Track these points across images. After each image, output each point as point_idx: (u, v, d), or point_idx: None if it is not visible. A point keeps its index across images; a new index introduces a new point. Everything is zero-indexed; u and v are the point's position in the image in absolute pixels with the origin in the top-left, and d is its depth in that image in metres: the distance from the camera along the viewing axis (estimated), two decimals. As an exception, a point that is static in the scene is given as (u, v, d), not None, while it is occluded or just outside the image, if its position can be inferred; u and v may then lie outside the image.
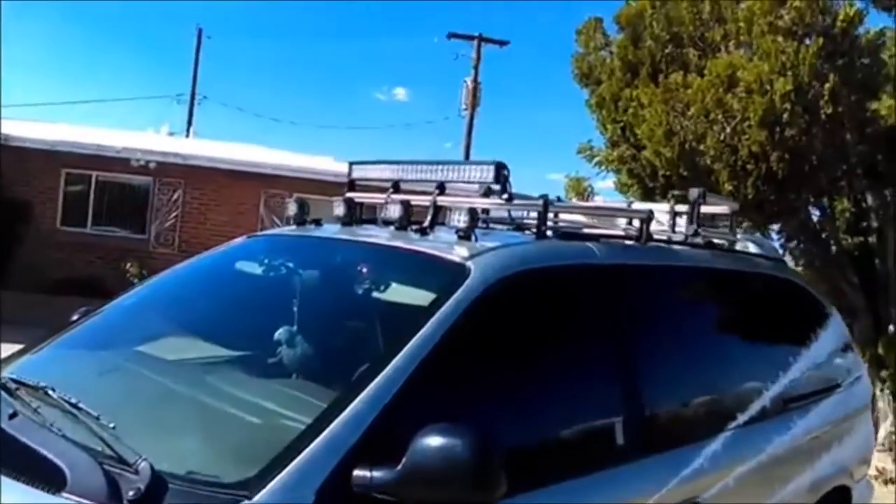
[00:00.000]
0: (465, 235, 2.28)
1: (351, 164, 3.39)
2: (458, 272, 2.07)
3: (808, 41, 6.96)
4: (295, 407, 1.88)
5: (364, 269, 2.52)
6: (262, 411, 1.94)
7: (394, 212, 2.65)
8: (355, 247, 2.74)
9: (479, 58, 26.97)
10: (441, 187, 2.69)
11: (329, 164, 17.03)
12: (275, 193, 15.00)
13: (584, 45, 9.65)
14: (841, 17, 6.75)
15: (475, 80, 26.88)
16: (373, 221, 2.93)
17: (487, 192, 2.63)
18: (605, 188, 18.32)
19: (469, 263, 2.10)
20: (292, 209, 3.01)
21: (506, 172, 2.42)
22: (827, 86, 6.74)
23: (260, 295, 2.80)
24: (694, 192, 3.16)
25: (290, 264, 2.78)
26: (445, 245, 2.31)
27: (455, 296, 1.96)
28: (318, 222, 2.98)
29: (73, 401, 1.76)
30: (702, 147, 7.41)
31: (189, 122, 28.22)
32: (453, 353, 1.84)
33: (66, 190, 13.79)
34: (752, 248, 3.48)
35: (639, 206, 3.66)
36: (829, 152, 6.98)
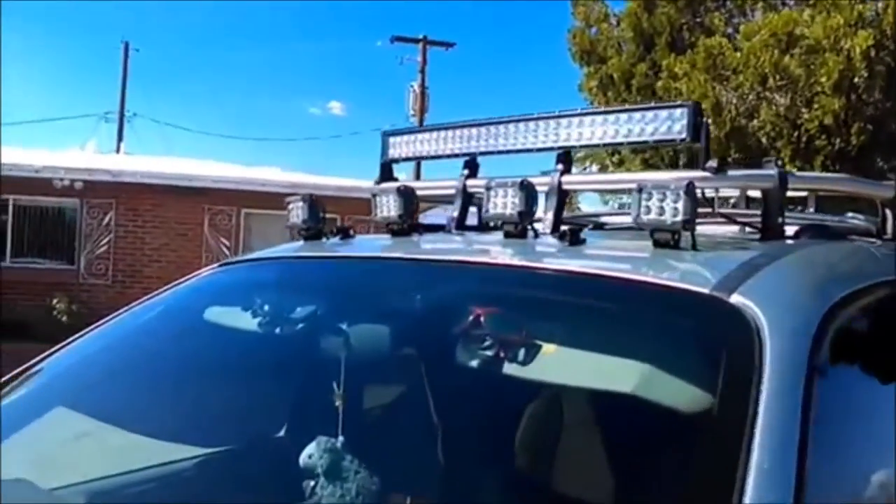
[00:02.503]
0: (673, 242, 1.33)
1: (386, 133, 2.09)
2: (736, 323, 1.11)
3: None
4: None
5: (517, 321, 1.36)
6: None
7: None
8: (485, 274, 1.58)
9: (424, 61, 26.19)
10: (471, 165, 1.84)
11: (277, 175, 15.56)
12: (220, 210, 13.43)
13: (582, 18, 8.38)
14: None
15: (422, 85, 26.00)
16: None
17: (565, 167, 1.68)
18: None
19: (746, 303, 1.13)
20: (298, 214, 1.95)
21: (706, 121, 1.51)
22: (916, 38, 5.58)
23: (257, 370, 1.86)
24: None
25: (320, 310, 1.77)
26: (685, 268, 1.34)
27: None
28: (346, 233, 1.95)
29: None
30: (755, 122, 6.17)
31: (119, 140, 26.11)
32: None
33: (-23, 219, 12.14)
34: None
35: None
36: (913, 119, 5.81)
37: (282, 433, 1.99)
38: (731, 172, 1.56)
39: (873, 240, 1.78)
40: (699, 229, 1.77)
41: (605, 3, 8.42)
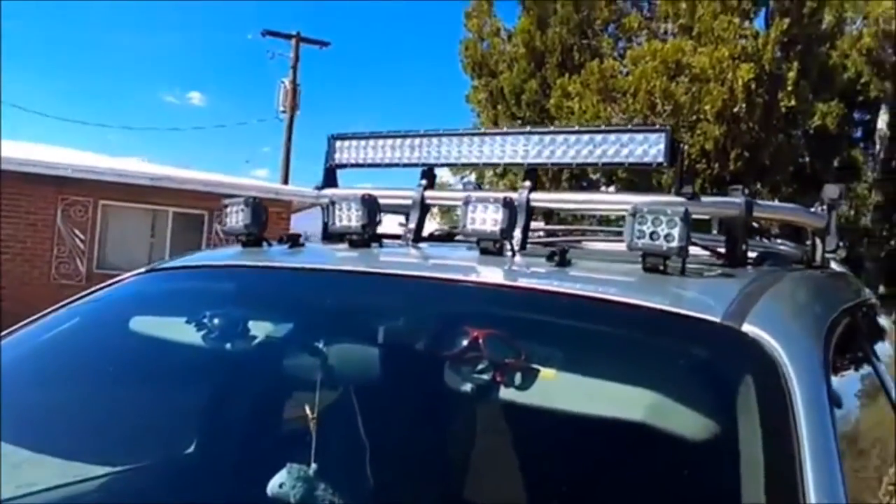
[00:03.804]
0: (663, 267, 1.32)
1: (334, 138, 1.96)
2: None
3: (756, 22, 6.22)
4: None
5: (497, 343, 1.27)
6: None
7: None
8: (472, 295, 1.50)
9: (297, 58, 25.64)
10: (429, 175, 1.76)
11: (140, 166, 14.73)
12: (76, 201, 12.50)
13: (475, 30, 8.44)
14: (812, -5, 6.03)
15: (294, 82, 25.42)
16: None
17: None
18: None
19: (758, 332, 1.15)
20: (239, 217, 1.80)
21: (683, 146, 1.55)
22: (791, 75, 6.00)
23: (176, 385, 1.70)
24: (833, 190, 2.00)
25: (286, 327, 1.65)
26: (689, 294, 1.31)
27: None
28: (295, 240, 1.79)
29: None
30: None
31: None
32: None
33: None
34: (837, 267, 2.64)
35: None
36: (784, 150, 6.24)
37: (191, 449, 1.83)
38: (703, 199, 1.60)
39: (801, 266, 1.90)
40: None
41: (498, 18, 8.53)
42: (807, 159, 7.25)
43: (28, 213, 11.94)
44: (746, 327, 1.14)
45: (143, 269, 1.83)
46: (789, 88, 5.93)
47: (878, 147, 7.79)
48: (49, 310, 1.74)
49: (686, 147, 6.29)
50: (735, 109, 5.97)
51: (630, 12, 7.40)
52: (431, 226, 1.93)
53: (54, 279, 12.42)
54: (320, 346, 1.49)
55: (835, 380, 1.16)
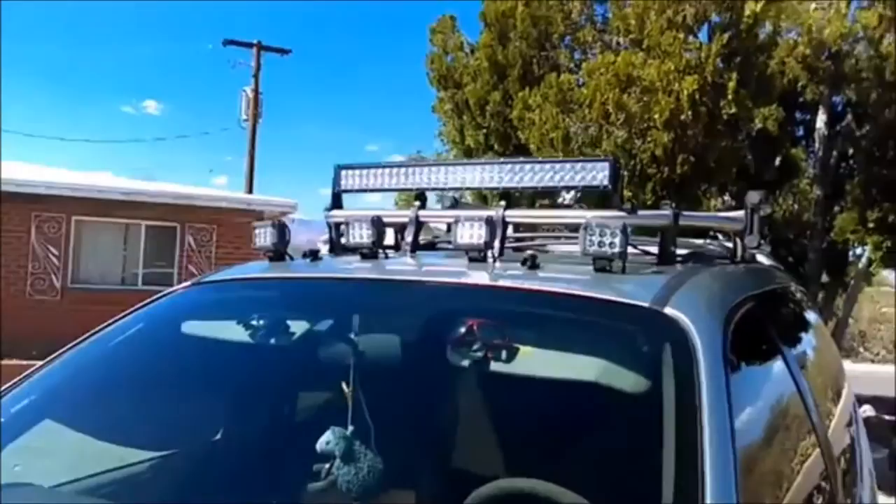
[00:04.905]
0: (609, 267, 1.73)
1: (340, 168, 2.27)
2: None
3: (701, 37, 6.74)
4: None
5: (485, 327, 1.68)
6: None
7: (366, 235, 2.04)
8: (454, 294, 1.91)
9: (258, 66, 25.62)
10: (421, 198, 2.17)
11: (109, 181, 14.84)
12: (49, 217, 12.63)
13: (440, 45, 8.87)
14: (747, 13, 6.56)
15: (255, 90, 25.42)
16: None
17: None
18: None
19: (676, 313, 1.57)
20: (267, 237, 2.13)
21: (623, 173, 1.95)
22: (731, 85, 6.54)
23: (262, 379, 2.08)
24: (755, 196, 2.46)
25: (319, 322, 2.03)
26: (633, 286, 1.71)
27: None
28: (315, 255, 2.17)
29: None
30: (598, 151, 6.93)
31: None
32: None
33: None
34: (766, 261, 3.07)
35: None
36: (727, 153, 6.79)
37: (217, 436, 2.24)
38: (640, 212, 2.05)
39: (727, 261, 2.27)
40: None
41: (461, 33, 8.96)
42: (750, 160, 7.81)
43: (5, 231, 12.02)
44: (668, 310, 1.51)
45: (188, 283, 2.19)
46: (730, 97, 6.46)
47: (817, 145, 8.39)
48: (112, 320, 2.11)
49: (637, 153, 6.82)
50: (682, 118, 6.48)
51: (584, 26, 7.89)
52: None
53: (30, 295, 12.53)
54: (351, 336, 1.87)
55: (736, 349, 1.52)
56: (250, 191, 23.12)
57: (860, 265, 8.61)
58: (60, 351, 1.98)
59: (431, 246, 2.27)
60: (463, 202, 2.45)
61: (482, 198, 7.91)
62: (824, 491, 1.80)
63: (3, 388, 1.88)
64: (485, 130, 8.55)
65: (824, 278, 8.60)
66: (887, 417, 7.69)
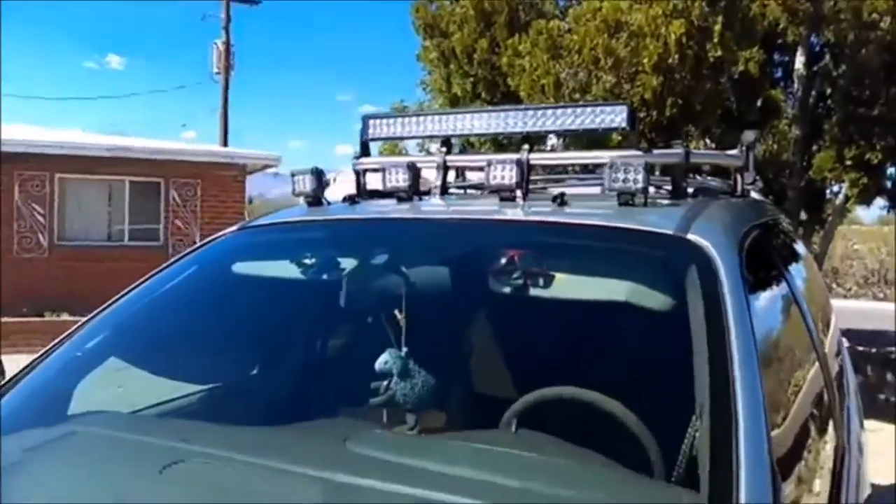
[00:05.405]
0: (632, 202, 1.91)
1: (367, 117, 2.45)
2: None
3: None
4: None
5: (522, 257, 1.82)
6: None
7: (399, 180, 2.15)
8: (496, 229, 2.02)
9: (228, 18, 25.18)
10: (447, 143, 2.30)
11: (83, 137, 14.69)
12: (33, 176, 12.58)
13: (424, -7, 8.89)
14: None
15: (227, 42, 25.01)
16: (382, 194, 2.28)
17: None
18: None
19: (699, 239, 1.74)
20: (306, 184, 2.27)
21: (639, 115, 1.97)
22: (717, 28, 6.70)
23: (317, 308, 2.33)
24: (750, 135, 2.64)
25: (369, 259, 2.20)
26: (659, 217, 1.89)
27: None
28: (353, 199, 2.31)
29: None
30: (588, 96, 7.08)
31: None
32: None
33: None
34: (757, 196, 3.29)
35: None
36: (712, 96, 6.98)
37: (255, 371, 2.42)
38: (654, 151, 2.17)
39: (728, 196, 2.42)
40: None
41: (446, -20, 8.97)
42: (733, 102, 8.00)
43: (-11, 191, 11.97)
44: (690, 236, 1.69)
45: (234, 228, 2.27)
46: (716, 40, 6.62)
47: (796, 86, 8.57)
48: (166, 264, 2.18)
49: (627, 97, 6.97)
50: (669, 62, 6.65)
51: (569, -29, 7.96)
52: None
53: (17, 253, 12.53)
54: (403, 270, 2.01)
55: (747, 269, 1.70)
56: (225, 143, 22.86)
57: (837, 202, 8.89)
58: (123, 292, 2.13)
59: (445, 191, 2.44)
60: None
61: (469, 144, 8.04)
62: (823, 401, 2.02)
63: (74, 327, 2.04)
64: (472, 79, 8.63)
65: (803, 216, 8.87)
66: (860, 348, 8.08)
